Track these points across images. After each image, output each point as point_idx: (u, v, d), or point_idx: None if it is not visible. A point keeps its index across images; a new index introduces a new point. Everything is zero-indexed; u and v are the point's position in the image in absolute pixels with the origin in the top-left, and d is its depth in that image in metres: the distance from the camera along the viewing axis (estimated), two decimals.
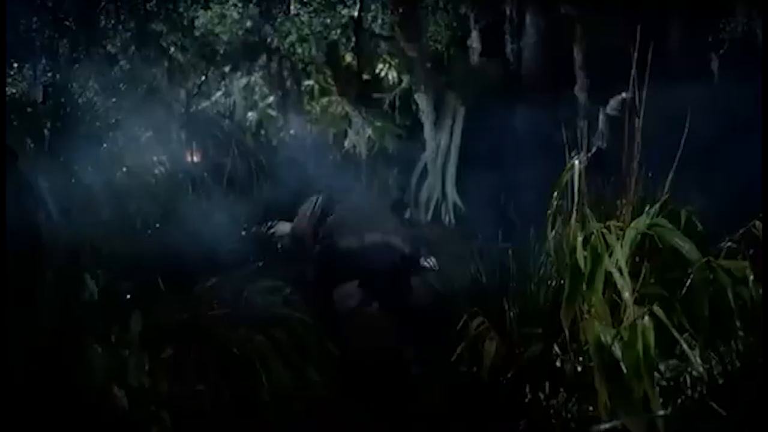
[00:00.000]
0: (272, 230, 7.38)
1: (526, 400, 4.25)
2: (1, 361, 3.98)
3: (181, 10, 9.74)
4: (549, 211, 4.17)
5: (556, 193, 4.11)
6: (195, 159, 9.17)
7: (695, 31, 8.47)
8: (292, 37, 10.32)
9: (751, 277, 3.68)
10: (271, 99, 10.66)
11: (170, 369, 4.47)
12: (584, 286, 3.73)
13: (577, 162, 4.01)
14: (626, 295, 3.60)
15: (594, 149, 4.27)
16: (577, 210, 3.97)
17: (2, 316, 4.12)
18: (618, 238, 3.81)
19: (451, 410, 4.59)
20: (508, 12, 9.80)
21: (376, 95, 10.17)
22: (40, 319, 4.27)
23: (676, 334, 3.51)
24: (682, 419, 3.40)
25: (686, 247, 3.75)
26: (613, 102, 8.30)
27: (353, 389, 5.14)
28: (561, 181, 4.10)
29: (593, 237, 3.78)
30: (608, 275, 3.73)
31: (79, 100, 7.92)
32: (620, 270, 3.67)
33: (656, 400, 3.37)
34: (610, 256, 3.74)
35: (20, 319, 4.22)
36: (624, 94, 6.91)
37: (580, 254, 3.75)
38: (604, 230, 3.81)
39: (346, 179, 8.28)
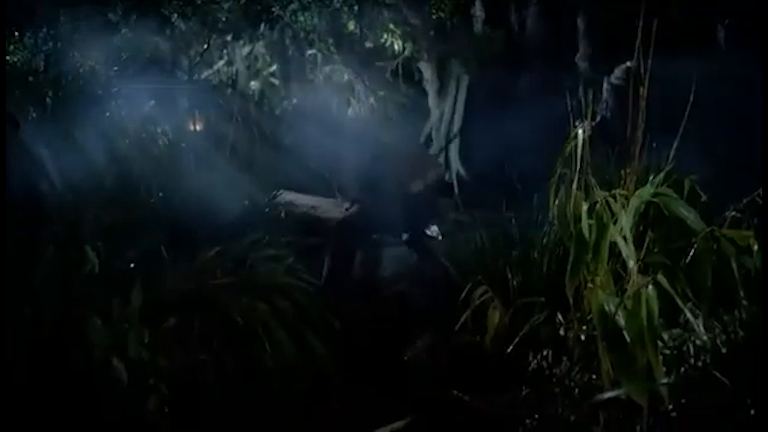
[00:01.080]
0: (277, 199, 7.36)
1: (530, 369, 4.26)
2: (2, 334, 3.99)
3: None
4: (552, 180, 4.15)
5: (559, 162, 4.10)
6: (197, 128, 9.15)
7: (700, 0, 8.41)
8: (294, 6, 10.25)
9: (755, 247, 3.68)
10: (273, 68, 10.62)
11: (173, 338, 4.49)
12: (590, 255, 3.72)
13: (581, 131, 3.99)
14: (631, 263, 3.60)
15: (598, 118, 4.27)
16: (581, 179, 3.96)
17: (2, 288, 4.13)
18: (623, 207, 3.81)
19: (454, 379, 4.60)
20: None
21: (379, 64, 10.13)
22: (42, 292, 4.28)
23: (680, 302, 3.52)
24: (684, 388, 3.41)
25: (690, 216, 3.75)
26: (618, 71, 8.26)
27: (355, 357, 5.16)
28: (565, 150, 4.08)
29: (598, 205, 3.77)
30: (612, 244, 3.72)
31: (81, 69, 7.89)
32: (625, 239, 3.66)
33: (659, 369, 3.38)
34: (615, 224, 3.74)
35: (21, 292, 4.23)
36: (628, 63, 6.88)
37: (585, 223, 3.74)
38: (610, 199, 3.80)
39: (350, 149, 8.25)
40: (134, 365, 4.18)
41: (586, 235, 3.72)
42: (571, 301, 3.91)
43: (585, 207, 3.77)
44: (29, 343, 4.08)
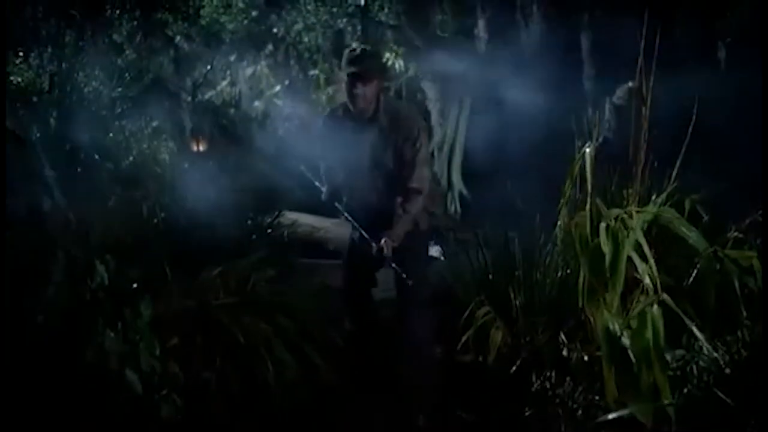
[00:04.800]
0: (277, 220, 7.36)
1: (532, 389, 4.25)
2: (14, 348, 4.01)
3: None
4: (561, 200, 4.14)
5: (568, 182, 4.08)
6: (200, 148, 9.19)
7: (702, 19, 8.44)
8: (299, 26, 10.31)
9: (758, 267, 3.68)
10: (277, 88, 10.66)
11: (177, 356, 4.49)
12: (606, 275, 3.69)
13: (588, 150, 3.99)
14: (647, 281, 3.57)
15: (601, 138, 4.26)
16: (588, 199, 3.95)
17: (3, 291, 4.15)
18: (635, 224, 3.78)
19: (457, 398, 4.60)
20: (514, 1, 9.78)
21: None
22: (49, 306, 4.30)
23: (688, 322, 3.51)
24: (688, 408, 3.40)
25: (693, 236, 3.75)
26: (620, 91, 8.28)
27: (357, 377, 5.15)
28: (573, 170, 4.08)
29: (613, 224, 3.73)
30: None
31: (85, 89, 7.93)
32: (641, 255, 3.63)
33: (666, 389, 3.36)
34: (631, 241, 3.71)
35: (27, 306, 4.24)
36: (630, 83, 6.89)
37: (605, 240, 3.70)
38: (625, 216, 3.77)
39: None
40: (146, 376, 4.20)
41: (606, 253, 3.68)
42: (592, 321, 3.90)
43: (603, 225, 3.73)
44: (41, 351, 4.10)
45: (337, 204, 5.06)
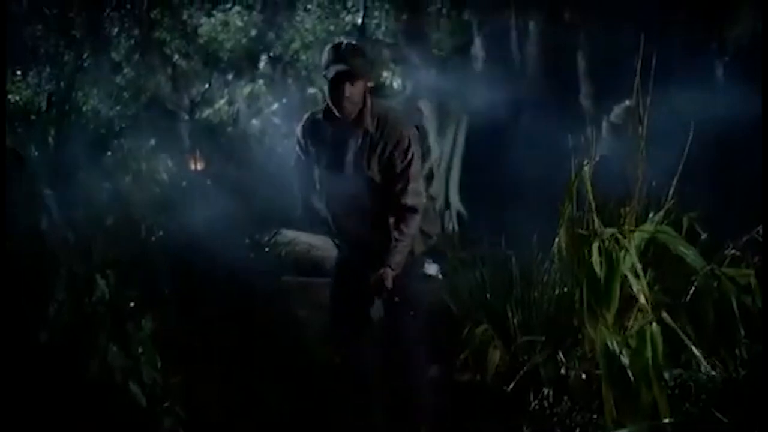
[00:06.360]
0: (275, 238, 7.36)
1: (530, 408, 4.24)
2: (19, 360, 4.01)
3: (184, 17, 9.79)
4: (560, 220, 4.12)
5: (566, 200, 4.07)
6: (198, 166, 9.20)
7: (699, 38, 8.47)
8: (296, 44, 10.36)
9: (755, 286, 3.68)
10: (275, 106, 10.69)
11: (175, 371, 4.49)
12: (602, 293, 3.68)
13: (586, 169, 3.99)
14: (642, 300, 3.57)
15: (598, 157, 4.22)
16: (587, 217, 3.95)
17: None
18: (630, 243, 3.79)
19: (455, 418, 4.58)
20: (511, 19, 9.82)
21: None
22: (52, 321, 4.30)
23: (687, 340, 3.51)
24: (686, 427, 3.39)
25: (690, 254, 3.74)
26: (617, 109, 8.30)
27: (356, 395, 5.13)
28: (571, 189, 4.07)
29: (608, 243, 3.73)
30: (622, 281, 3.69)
31: (84, 108, 7.96)
32: (636, 274, 3.63)
33: (665, 408, 3.35)
34: (625, 261, 3.71)
35: (29, 321, 4.24)
36: (627, 102, 6.92)
37: (596, 260, 3.70)
38: (618, 235, 3.77)
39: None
40: (149, 388, 4.20)
41: (598, 272, 3.68)
42: (591, 339, 3.90)
43: (595, 244, 3.73)
44: (45, 367, 4.10)
45: (324, 223, 4.53)
